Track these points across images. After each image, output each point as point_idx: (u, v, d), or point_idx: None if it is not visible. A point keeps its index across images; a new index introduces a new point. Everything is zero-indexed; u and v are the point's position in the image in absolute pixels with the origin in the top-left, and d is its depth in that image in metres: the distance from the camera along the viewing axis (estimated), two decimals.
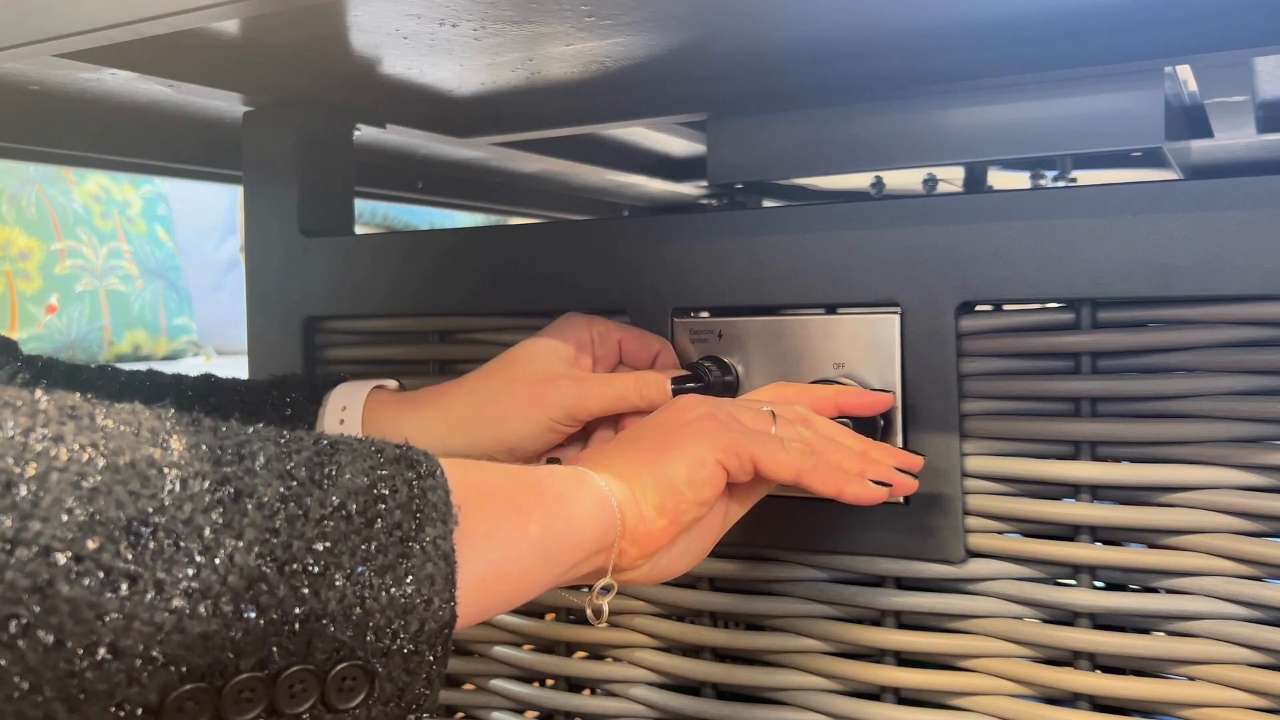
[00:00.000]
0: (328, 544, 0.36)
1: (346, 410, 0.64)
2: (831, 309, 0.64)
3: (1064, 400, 0.59)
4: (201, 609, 0.32)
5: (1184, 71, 0.69)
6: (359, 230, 0.87)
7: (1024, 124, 0.70)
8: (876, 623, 0.64)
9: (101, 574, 0.31)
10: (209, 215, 2.31)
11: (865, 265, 0.62)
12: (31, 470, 0.31)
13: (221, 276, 2.32)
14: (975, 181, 1.08)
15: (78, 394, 0.35)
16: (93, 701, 0.31)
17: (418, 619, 0.37)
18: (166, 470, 0.33)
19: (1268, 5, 0.59)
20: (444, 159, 1.14)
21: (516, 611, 0.76)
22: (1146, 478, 0.57)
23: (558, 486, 0.46)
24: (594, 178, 1.27)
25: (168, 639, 0.32)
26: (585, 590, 0.50)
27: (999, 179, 1.11)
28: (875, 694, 0.64)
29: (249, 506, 0.34)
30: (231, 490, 0.34)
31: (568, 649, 0.75)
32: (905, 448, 0.61)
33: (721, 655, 0.69)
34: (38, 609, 0.30)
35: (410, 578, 0.37)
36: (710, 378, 0.64)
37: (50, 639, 0.30)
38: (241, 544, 0.34)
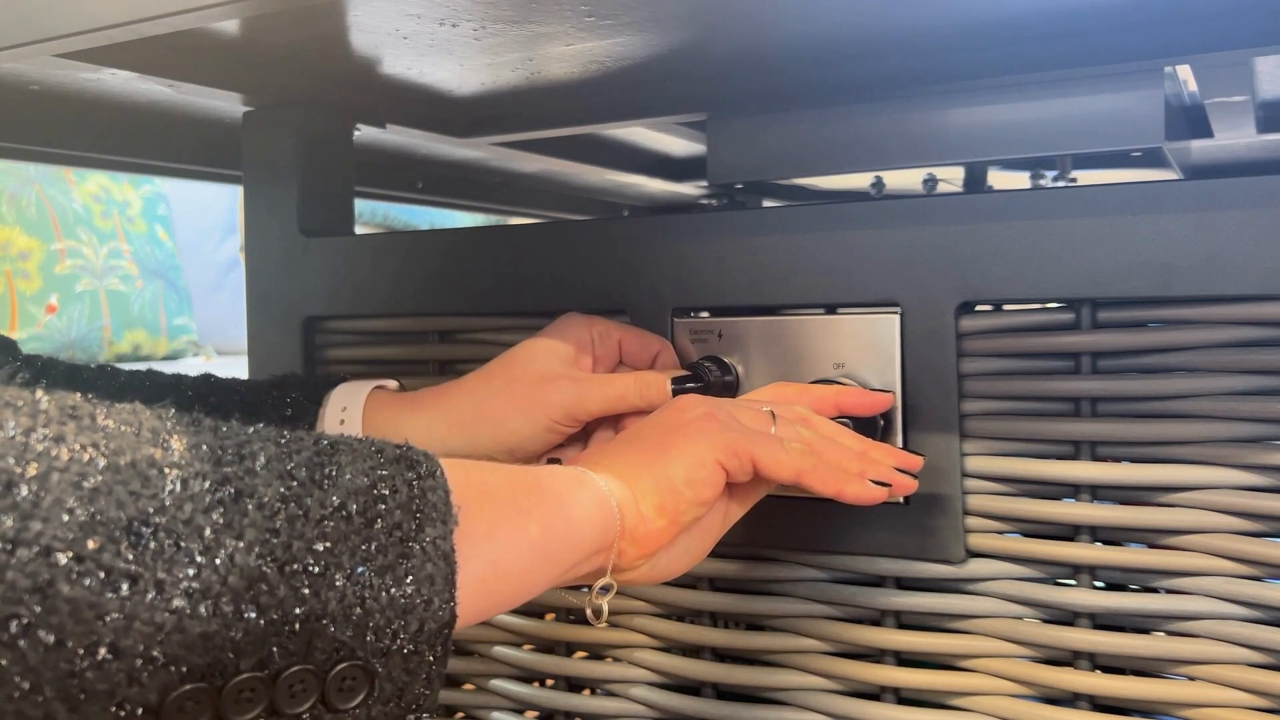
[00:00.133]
0: (328, 544, 0.36)
1: (347, 410, 0.64)
2: (831, 309, 0.64)
3: (1064, 400, 0.59)
4: (202, 609, 0.32)
5: (1184, 71, 0.69)
6: (359, 230, 0.87)
7: (1024, 124, 0.70)
8: (876, 623, 0.64)
9: (102, 574, 0.31)
10: (209, 215, 2.31)
11: (865, 265, 0.62)
12: (32, 470, 0.31)
13: (221, 276, 2.32)
14: (975, 181, 1.08)
15: (78, 394, 0.35)
16: (93, 701, 0.31)
17: (418, 619, 0.37)
18: (167, 470, 0.33)
19: (1268, 5, 0.59)
20: (444, 159, 1.14)
21: (516, 611, 0.76)
22: (1146, 478, 0.57)
23: (557, 487, 0.46)
24: (594, 178, 1.27)
25: (168, 639, 0.32)
26: (585, 590, 0.50)
27: (999, 179, 1.11)
28: (875, 694, 0.64)
29: (249, 507, 0.34)
30: (232, 490, 0.34)
31: (568, 649, 0.75)
32: (905, 448, 0.61)
33: (721, 655, 0.69)
34: (38, 609, 0.30)
35: (410, 578, 0.37)
36: (710, 378, 0.64)
37: (51, 639, 0.30)
38: (242, 544, 0.34)
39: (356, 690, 0.36)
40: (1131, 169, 0.98)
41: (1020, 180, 1.10)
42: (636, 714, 0.71)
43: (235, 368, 0.74)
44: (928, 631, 0.63)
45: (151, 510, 0.32)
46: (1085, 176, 1.04)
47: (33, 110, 0.83)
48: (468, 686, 0.79)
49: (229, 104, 0.81)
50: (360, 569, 0.36)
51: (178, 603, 0.32)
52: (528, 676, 0.77)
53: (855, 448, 0.56)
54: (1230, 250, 0.54)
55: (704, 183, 1.29)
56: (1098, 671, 0.59)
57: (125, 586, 0.31)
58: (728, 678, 0.67)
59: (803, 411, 0.57)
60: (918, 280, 0.61)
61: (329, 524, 0.36)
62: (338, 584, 0.35)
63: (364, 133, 0.89)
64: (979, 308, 0.62)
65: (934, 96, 0.73)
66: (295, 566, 0.35)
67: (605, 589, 0.49)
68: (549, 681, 0.77)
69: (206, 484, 0.34)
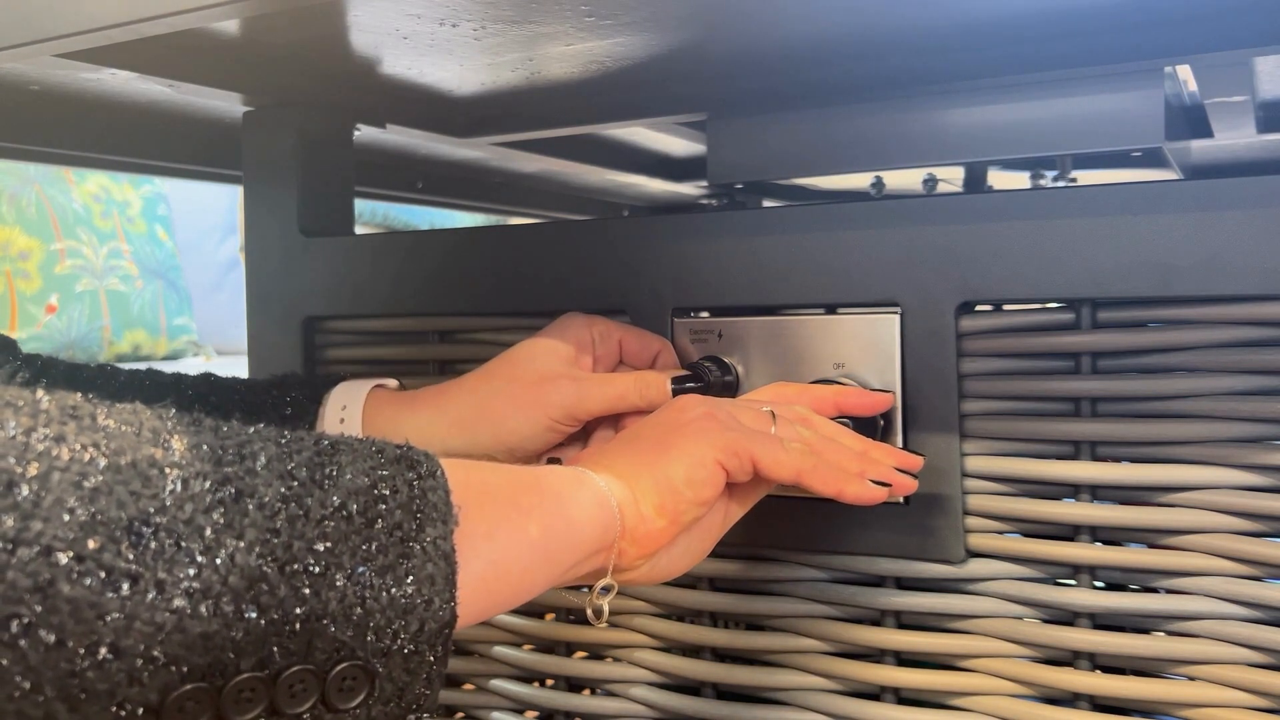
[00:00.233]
0: (328, 544, 0.36)
1: (346, 410, 0.64)
2: (831, 309, 0.64)
3: (1064, 400, 0.59)
4: (202, 609, 0.32)
5: (1184, 71, 0.69)
6: (359, 230, 0.87)
7: (1024, 124, 0.70)
8: (876, 623, 0.64)
9: (103, 574, 0.31)
10: (209, 215, 2.31)
11: (865, 265, 0.62)
12: (33, 470, 0.31)
13: (221, 276, 2.32)
14: (975, 181, 1.08)
15: (79, 394, 0.35)
16: (93, 701, 0.31)
17: (418, 619, 0.37)
18: (168, 470, 0.33)
19: (1268, 5, 0.59)
20: (444, 159, 1.14)
21: (516, 611, 0.76)
22: (1146, 478, 0.57)
23: (558, 487, 0.46)
24: (594, 178, 1.27)
25: (168, 639, 0.32)
26: (585, 590, 0.50)
27: (999, 179, 1.11)
28: (875, 694, 0.64)
29: (250, 507, 0.34)
30: (232, 490, 0.34)
31: (568, 649, 0.75)
32: (905, 448, 0.61)
33: (721, 655, 0.69)
34: (39, 608, 0.30)
35: (410, 578, 0.37)
36: (710, 378, 0.64)
37: (51, 638, 0.30)
38: (242, 544, 0.34)
39: (357, 690, 0.36)
40: (1131, 169, 0.98)
41: (1020, 180, 1.10)
42: (636, 714, 0.71)
43: (235, 368, 0.74)
44: (928, 631, 0.63)
45: (152, 510, 0.32)
46: (1085, 176, 1.04)
47: (33, 110, 0.83)
48: (468, 686, 0.79)
49: (229, 104, 0.81)
50: (361, 569, 0.36)
51: (178, 602, 0.32)
52: (528, 676, 0.77)
53: (855, 448, 0.56)
54: (1230, 250, 0.54)
55: (704, 183, 1.29)
56: (1098, 671, 0.59)
57: (126, 586, 0.31)
58: (728, 678, 0.67)
59: (803, 411, 0.57)
60: (918, 280, 0.61)
61: (329, 524, 0.36)
62: (338, 584, 0.35)
63: (364, 133, 0.89)
64: (979, 308, 0.62)
65: (934, 96, 0.73)
66: (296, 566, 0.35)
67: (606, 589, 0.49)
68: (549, 681, 0.77)
69: (207, 484, 0.34)
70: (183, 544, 0.32)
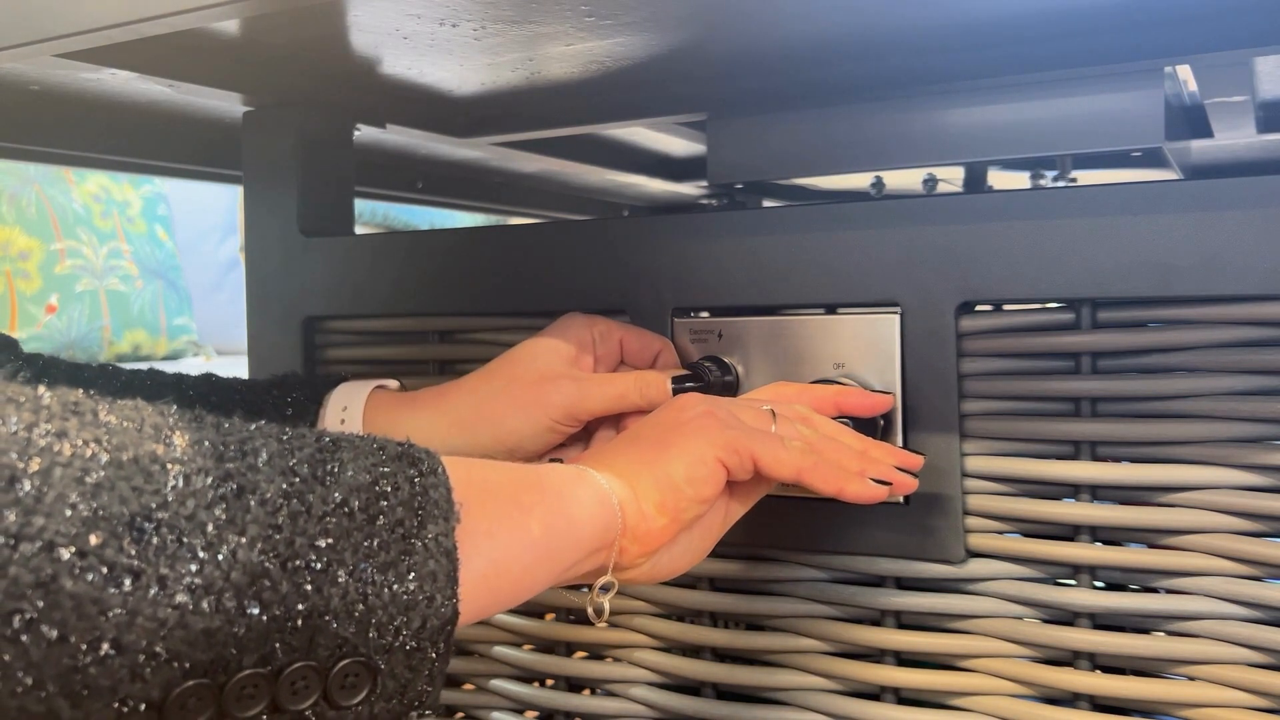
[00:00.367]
0: (330, 540, 0.36)
1: (347, 410, 0.64)
2: (831, 309, 0.64)
3: (1064, 400, 0.59)
4: (204, 605, 0.32)
5: (1184, 71, 0.69)
6: (359, 230, 0.87)
7: (1024, 124, 0.70)
8: (876, 623, 0.64)
9: (105, 569, 0.31)
10: (209, 215, 2.31)
11: (865, 265, 0.62)
12: (35, 465, 0.31)
13: (221, 276, 2.32)
14: (975, 181, 1.08)
15: (80, 390, 0.35)
16: (95, 697, 0.31)
17: (420, 616, 0.37)
18: (170, 466, 0.33)
19: (1268, 5, 0.59)
20: (444, 159, 1.14)
21: (516, 611, 0.76)
22: (1146, 478, 0.57)
23: (559, 484, 0.46)
24: (594, 178, 1.27)
25: (171, 635, 0.32)
26: (585, 590, 0.50)
27: (999, 179, 1.11)
28: (875, 694, 0.64)
29: (252, 503, 0.35)
30: (234, 486, 0.34)
31: (568, 649, 0.75)
32: (905, 447, 0.61)
33: (721, 655, 0.69)
34: (41, 604, 0.30)
35: (412, 574, 0.37)
36: (710, 378, 0.64)
37: (54, 634, 0.30)
38: (244, 540, 0.34)
39: (359, 687, 0.36)
40: (1131, 169, 0.98)
41: (1020, 180, 1.10)
42: (636, 714, 0.71)
43: (235, 368, 0.74)
44: (928, 631, 0.63)
45: (154, 506, 0.32)
46: (1085, 176, 1.04)
47: (33, 110, 0.83)
48: (468, 686, 0.79)
49: (229, 104, 0.81)
50: (363, 565, 0.36)
51: (180, 598, 0.32)
52: (528, 676, 0.77)
53: (856, 446, 0.56)
54: (1230, 250, 0.54)
55: (704, 183, 1.29)
56: (1098, 671, 0.59)
57: (128, 582, 0.31)
58: (728, 678, 0.67)
59: (803, 410, 0.57)
60: (918, 280, 0.61)
61: (331, 520, 0.36)
62: (340, 580, 0.35)
63: (364, 133, 0.89)
64: (979, 308, 0.62)
65: (934, 96, 0.73)
66: (298, 563, 0.35)
67: (606, 587, 0.49)
68: (549, 681, 0.77)
69: (209, 480, 0.34)
70: (185, 540, 0.32)
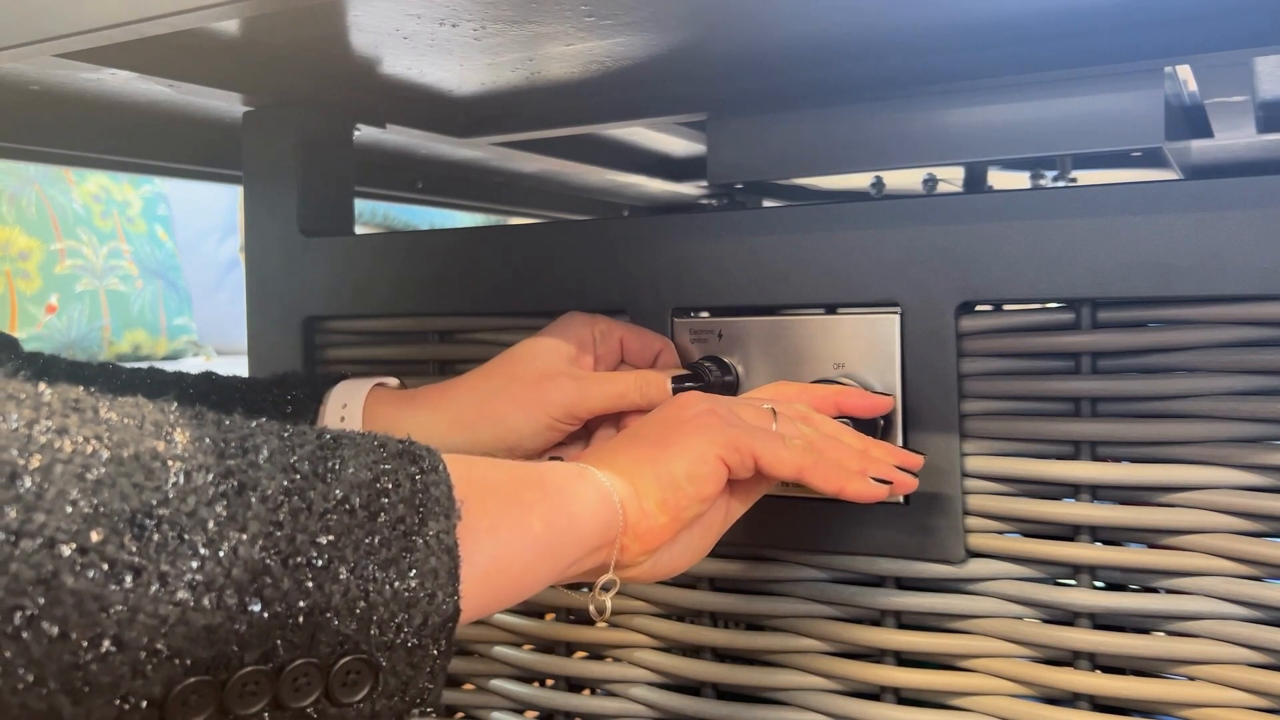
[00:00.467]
0: (331, 537, 0.36)
1: (347, 408, 0.64)
2: (831, 309, 0.64)
3: (1064, 400, 0.59)
4: (206, 601, 0.32)
5: (1184, 71, 0.69)
6: (359, 230, 0.87)
7: (1024, 124, 0.70)
8: (876, 623, 0.64)
9: (106, 566, 0.31)
10: (209, 215, 2.31)
11: (865, 265, 0.62)
12: (36, 462, 0.31)
13: (221, 276, 2.32)
14: (975, 181, 1.08)
15: (81, 387, 0.35)
16: (97, 694, 0.31)
17: (421, 613, 0.37)
18: (170, 463, 0.33)
19: (1268, 5, 0.59)
20: (444, 159, 1.14)
21: (516, 611, 0.76)
22: (1146, 478, 0.57)
23: (560, 482, 0.46)
24: (594, 178, 1.27)
25: (172, 631, 0.32)
26: (587, 589, 0.50)
27: (999, 179, 1.11)
28: (875, 694, 0.64)
29: (253, 500, 0.34)
30: (235, 483, 0.34)
31: (568, 649, 0.75)
32: (905, 447, 0.61)
33: (721, 655, 0.69)
34: (42, 601, 0.30)
35: (414, 571, 0.37)
36: (710, 377, 0.64)
37: (55, 631, 0.30)
38: (245, 537, 0.34)
39: (360, 684, 0.36)
40: (1131, 169, 0.98)
41: (1020, 180, 1.10)
42: (636, 714, 0.71)
43: (235, 367, 0.74)
44: (928, 631, 0.63)
45: (155, 502, 0.32)
46: (1085, 176, 1.05)
47: (33, 110, 0.83)
48: (468, 686, 0.79)
49: (229, 104, 0.81)
50: (364, 562, 0.36)
51: (182, 595, 0.32)
52: (528, 676, 0.77)
53: (856, 445, 0.56)
54: (1230, 250, 0.54)
55: (704, 183, 1.29)
56: (1098, 671, 0.59)
57: (129, 578, 0.31)
58: (728, 678, 0.67)
59: (803, 409, 0.57)
60: (918, 280, 0.61)
61: (332, 517, 0.36)
62: (341, 577, 0.35)
63: (364, 133, 0.89)
64: (979, 308, 0.62)
65: (934, 96, 0.73)
66: (299, 559, 0.35)
67: (608, 586, 0.49)
68: (549, 681, 0.77)
69: (210, 477, 0.34)
70: (186, 536, 0.32)
